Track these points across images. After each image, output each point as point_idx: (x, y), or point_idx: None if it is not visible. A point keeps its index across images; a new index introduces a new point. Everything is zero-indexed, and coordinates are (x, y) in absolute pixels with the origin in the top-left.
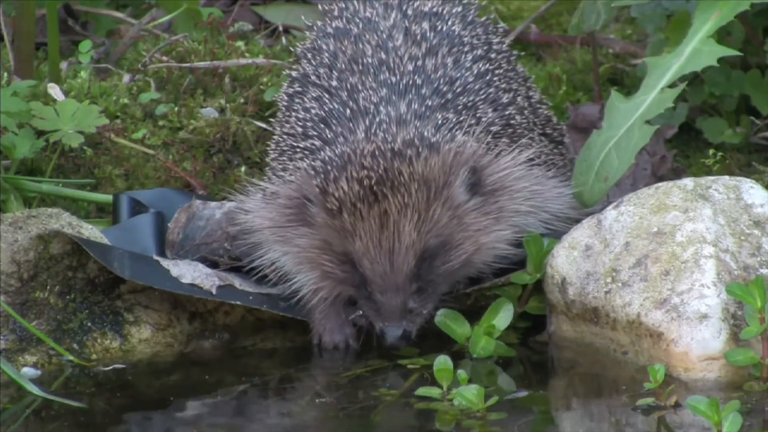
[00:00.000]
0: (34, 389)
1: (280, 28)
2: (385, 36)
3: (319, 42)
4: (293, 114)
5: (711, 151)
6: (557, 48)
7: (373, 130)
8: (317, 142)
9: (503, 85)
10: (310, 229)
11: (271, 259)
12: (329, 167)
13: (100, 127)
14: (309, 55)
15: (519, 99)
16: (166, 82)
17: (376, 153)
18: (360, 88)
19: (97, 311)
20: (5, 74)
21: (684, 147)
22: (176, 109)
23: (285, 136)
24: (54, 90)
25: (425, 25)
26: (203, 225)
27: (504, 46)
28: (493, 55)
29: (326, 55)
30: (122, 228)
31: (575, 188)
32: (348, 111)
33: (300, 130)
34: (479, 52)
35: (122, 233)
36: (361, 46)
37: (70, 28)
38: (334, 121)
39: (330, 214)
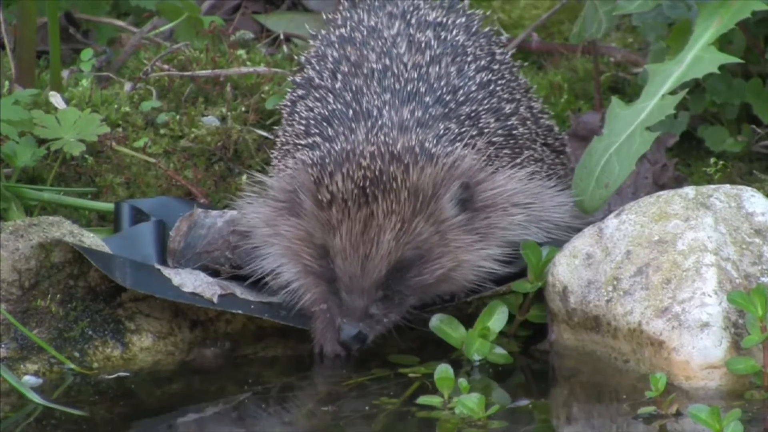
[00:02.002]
0: (35, 397)
1: (282, 37)
2: (389, 44)
3: (323, 49)
4: (296, 115)
5: (712, 160)
6: (558, 56)
7: (374, 132)
8: (318, 140)
9: (506, 95)
10: (297, 220)
11: (267, 258)
12: (327, 160)
13: (101, 135)
14: (313, 62)
15: (521, 109)
16: (167, 91)
17: (375, 154)
18: (364, 90)
19: (98, 319)
20: (6, 82)
21: (685, 155)
22: (177, 117)
23: (287, 137)
24: (55, 98)
25: (429, 34)
26: (205, 233)
27: (507, 56)
28: (495, 66)
29: (330, 60)
30: (123, 236)
31: (575, 195)
32: (351, 112)
33: (302, 128)
34: (482, 62)
35: (123, 242)
36: (365, 52)
37: (72, 37)
38: (336, 121)
39: (319, 206)
